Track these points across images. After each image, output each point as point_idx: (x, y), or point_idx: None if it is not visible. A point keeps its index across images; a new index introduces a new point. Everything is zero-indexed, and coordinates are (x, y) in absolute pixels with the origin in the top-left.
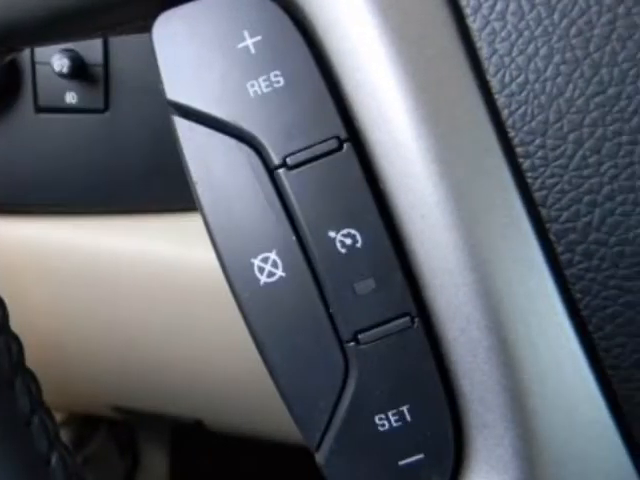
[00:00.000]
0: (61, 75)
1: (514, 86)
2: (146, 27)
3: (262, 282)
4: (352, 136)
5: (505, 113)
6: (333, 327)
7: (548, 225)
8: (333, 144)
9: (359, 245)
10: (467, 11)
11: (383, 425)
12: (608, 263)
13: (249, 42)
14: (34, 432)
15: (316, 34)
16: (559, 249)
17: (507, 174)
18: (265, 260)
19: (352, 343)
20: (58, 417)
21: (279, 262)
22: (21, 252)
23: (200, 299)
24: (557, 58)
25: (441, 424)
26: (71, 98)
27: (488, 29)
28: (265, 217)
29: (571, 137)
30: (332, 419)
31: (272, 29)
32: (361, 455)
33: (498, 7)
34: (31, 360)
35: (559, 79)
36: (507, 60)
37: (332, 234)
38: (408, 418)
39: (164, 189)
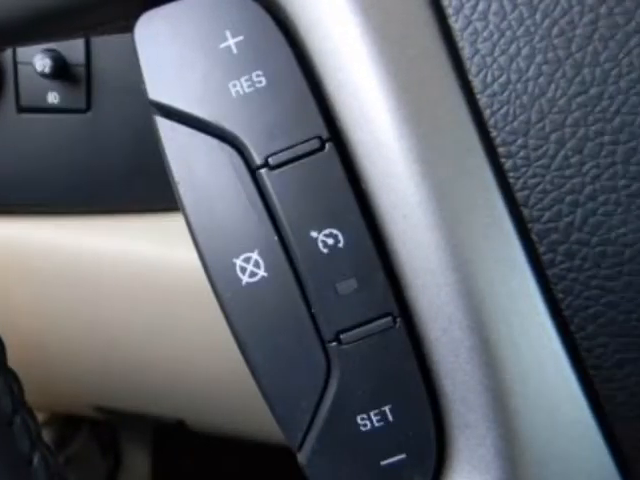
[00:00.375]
0: (43, 75)
1: (496, 86)
2: (128, 27)
3: (244, 282)
4: (334, 136)
5: (487, 113)
6: (315, 327)
7: (530, 225)
8: (315, 144)
9: (341, 245)
10: (449, 11)
11: (365, 425)
12: (590, 263)
13: (231, 42)
14: (16, 432)
15: (298, 34)
16: (541, 249)
17: (489, 174)
18: (247, 260)
19: (334, 343)
20: (40, 417)
21: (261, 262)
22: (3, 252)
23: (182, 299)
24: (539, 58)
25: (423, 424)
26: (53, 98)
27: (470, 29)
28: (247, 217)
29: (553, 137)
30: (314, 419)
31: (254, 29)
32: (343, 455)
33: (480, 7)
34: (13, 360)
35: (541, 79)
36: (489, 60)
37: (314, 234)
38: (390, 418)
39: (146, 189)
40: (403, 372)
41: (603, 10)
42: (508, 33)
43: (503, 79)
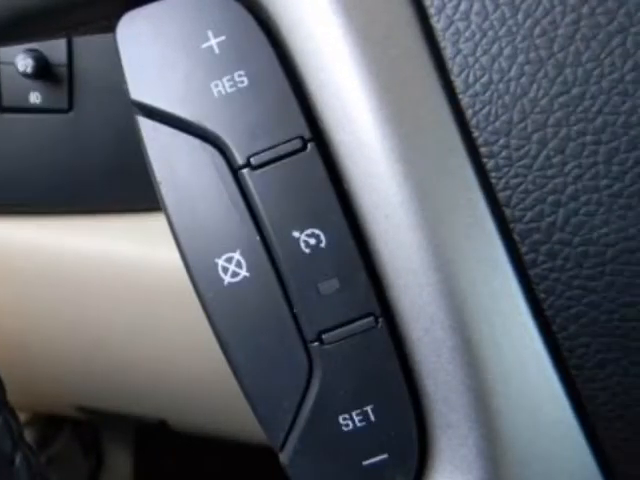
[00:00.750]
0: (25, 75)
1: (478, 86)
2: (110, 27)
3: (226, 282)
4: (316, 136)
5: (469, 113)
6: (297, 327)
7: (512, 225)
8: (297, 144)
9: (323, 245)
10: (431, 11)
11: (347, 425)
12: (572, 263)
13: (213, 42)
14: None
15: (280, 34)
16: (523, 249)
17: (471, 174)
18: (229, 260)
19: (316, 343)
20: (22, 417)
21: (243, 262)
22: None
23: (164, 299)
24: (521, 58)
25: (405, 424)
26: (35, 98)
27: (452, 29)
28: (229, 217)
29: (535, 137)
30: (296, 419)
31: (236, 29)
32: (325, 455)
33: (462, 7)
34: None
35: (523, 79)
36: (471, 60)
37: (296, 234)
38: (372, 418)
39: (128, 189)
40: (385, 372)
41: (585, 10)
42: (490, 33)
43: (485, 79)
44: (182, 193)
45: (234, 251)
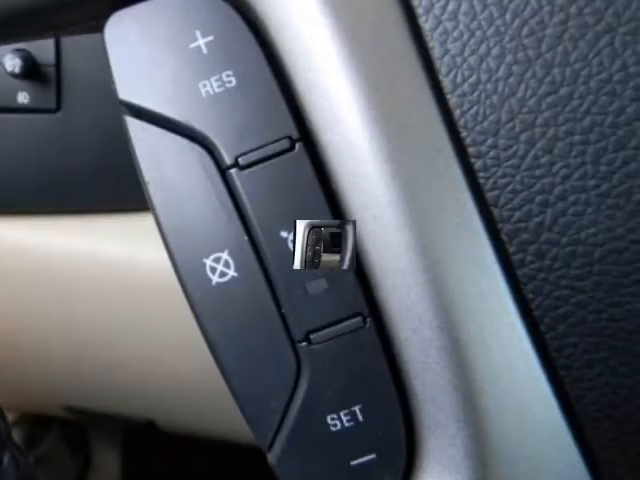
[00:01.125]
0: (13, 75)
1: (466, 86)
2: (98, 27)
3: (214, 282)
4: (304, 136)
5: (457, 113)
6: (285, 327)
7: (500, 225)
8: (285, 144)
9: None
10: (419, 11)
11: (335, 425)
12: (560, 263)
13: (201, 42)
14: None
15: (268, 34)
16: (511, 249)
17: (459, 174)
18: (217, 260)
19: (304, 343)
20: (10, 417)
21: (231, 262)
22: None
23: (152, 299)
24: (509, 58)
25: (393, 424)
26: (23, 98)
27: (440, 29)
28: (217, 217)
29: (523, 137)
30: (284, 419)
31: (224, 29)
32: (313, 455)
33: (450, 7)
34: None
35: (511, 79)
36: (459, 60)
37: (284, 234)
38: (360, 418)
39: (116, 189)
40: (373, 372)
41: (573, 10)
42: (478, 33)
43: (473, 79)
44: (170, 193)
45: (222, 251)
